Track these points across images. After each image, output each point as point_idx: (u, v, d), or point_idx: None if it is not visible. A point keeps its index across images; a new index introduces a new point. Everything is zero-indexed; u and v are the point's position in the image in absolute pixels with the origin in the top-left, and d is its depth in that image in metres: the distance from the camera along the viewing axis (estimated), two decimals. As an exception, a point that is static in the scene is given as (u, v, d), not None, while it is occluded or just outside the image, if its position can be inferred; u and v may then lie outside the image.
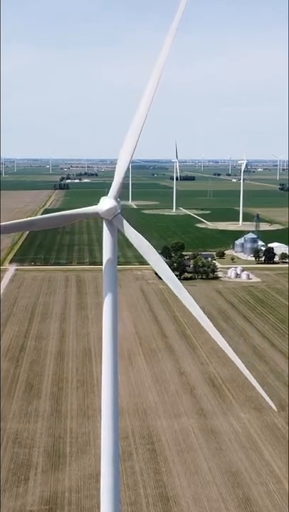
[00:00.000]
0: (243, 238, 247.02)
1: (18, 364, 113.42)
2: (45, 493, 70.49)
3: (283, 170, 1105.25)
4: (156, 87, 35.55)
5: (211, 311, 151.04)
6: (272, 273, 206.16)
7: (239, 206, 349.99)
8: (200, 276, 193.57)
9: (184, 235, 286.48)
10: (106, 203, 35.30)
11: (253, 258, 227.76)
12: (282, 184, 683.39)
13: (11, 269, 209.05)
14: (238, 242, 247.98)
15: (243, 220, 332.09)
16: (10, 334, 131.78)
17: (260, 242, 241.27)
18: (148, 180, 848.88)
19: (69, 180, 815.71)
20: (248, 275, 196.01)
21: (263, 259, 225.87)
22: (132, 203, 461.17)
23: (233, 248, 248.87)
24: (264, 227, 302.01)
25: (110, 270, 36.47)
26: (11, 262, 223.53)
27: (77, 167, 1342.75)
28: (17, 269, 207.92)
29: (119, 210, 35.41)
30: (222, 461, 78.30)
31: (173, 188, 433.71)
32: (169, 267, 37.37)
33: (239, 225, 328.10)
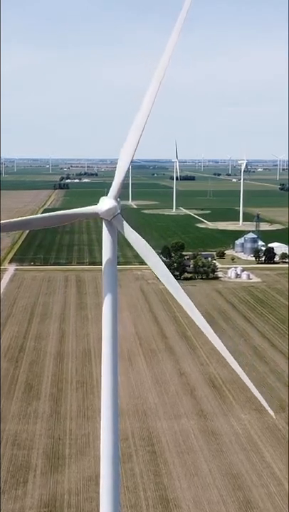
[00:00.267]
0: (243, 238, 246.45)
1: (18, 365, 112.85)
2: (45, 496, 69.90)
3: (283, 170, 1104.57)
4: (159, 88, 35.13)
5: (211, 312, 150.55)
6: (273, 273, 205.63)
7: (239, 206, 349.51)
8: (200, 277, 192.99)
9: (184, 235, 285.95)
10: (106, 203, 34.78)
11: (253, 258, 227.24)
12: (283, 184, 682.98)
13: (11, 269, 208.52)
14: (238, 242, 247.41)
15: (243, 220, 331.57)
16: (9, 334, 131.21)
17: (261, 242, 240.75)
18: (148, 180, 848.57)
19: (69, 180, 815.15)
20: (248, 275, 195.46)
21: (263, 259, 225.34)
22: (131, 203, 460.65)
23: (233, 248, 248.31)
24: (264, 227, 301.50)
25: (110, 271, 36.00)
26: (10, 261, 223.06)
27: (77, 167, 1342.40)
28: (16, 269, 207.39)
29: (119, 211, 34.89)
30: (222, 463, 77.73)
31: (173, 188, 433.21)
32: (168, 270, 36.73)
33: (239, 225, 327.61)
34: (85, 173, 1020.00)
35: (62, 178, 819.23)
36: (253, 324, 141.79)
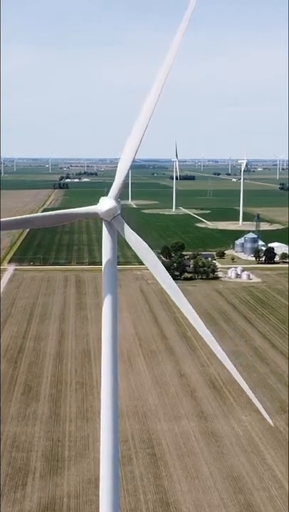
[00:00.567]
0: (243, 238, 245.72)
1: (17, 366, 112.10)
2: (44, 499, 69.15)
3: (283, 169, 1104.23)
4: (162, 89, 34.52)
5: (212, 312, 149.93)
6: (273, 273, 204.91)
7: (239, 206, 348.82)
8: (200, 277, 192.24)
9: (184, 235, 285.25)
10: (106, 204, 34.08)
11: (254, 258, 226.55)
12: (282, 184, 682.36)
13: (10, 269, 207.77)
14: (239, 241, 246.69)
15: (243, 220, 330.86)
16: (8, 335, 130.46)
17: (261, 242, 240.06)
18: (148, 179, 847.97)
19: (68, 180, 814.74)
20: (249, 275, 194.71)
21: (263, 259, 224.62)
22: (131, 203, 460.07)
23: (234, 248, 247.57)
24: (264, 226, 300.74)
25: (110, 272, 35.37)
26: (9, 261, 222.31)
27: (76, 166, 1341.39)
28: (16, 269, 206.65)
29: (119, 211, 34.18)
30: (223, 466, 76.99)
31: (173, 188, 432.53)
32: (169, 275, 35.95)
33: (239, 225, 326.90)
34: (85, 173, 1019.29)
35: (61, 178, 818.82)
36: (254, 325, 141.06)
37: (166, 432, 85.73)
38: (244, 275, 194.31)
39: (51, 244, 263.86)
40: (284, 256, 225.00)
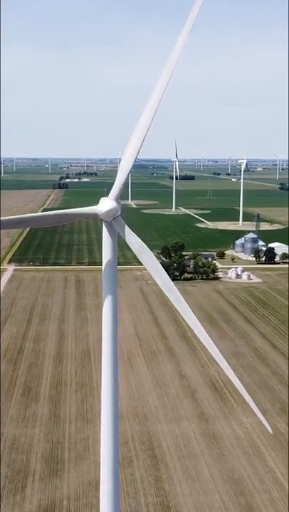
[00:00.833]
0: (243, 238, 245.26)
1: (16, 366, 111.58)
2: (43, 502, 68.64)
3: (283, 169, 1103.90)
4: (165, 91, 34.14)
5: (212, 313, 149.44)
6: (273, 273, 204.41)
7: (239, 206, 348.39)
8: (200, 277, 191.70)
9: (184, 235, 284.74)
10: (106, 204, 33.57)
11: (254, 258, 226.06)
12: (282, 184, 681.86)
13: (10, 269, 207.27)
14: (239, 242, 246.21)
15: (243, 220, 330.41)
16: (8, 336, 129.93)
17: (261, 242, 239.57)
18: (148, 179, 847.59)
19: (68, 180, 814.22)
20: (249, 275, 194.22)
21: (263, 259, 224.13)
22: (131, 203, 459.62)
23: (234, 248, 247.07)
24: (264, 226, 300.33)
25: (110, 272, 34.95)
26: (9, 262, 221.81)
27: (76, 166, 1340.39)
28: (15, 269, 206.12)
29: (119, 212, 33.65)
30: (224, 468, 76.48)
31: (172, 188, 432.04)
32: (169, 278, 35.41)
33: (239, 225, 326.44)
34: (85, 173, 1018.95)
35: (61, 178, 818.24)
36: (254, 325, 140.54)
37: (166, 433, 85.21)
38: (244, 275, 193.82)
39: (51, 244, 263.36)
40: (284, 256, 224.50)
